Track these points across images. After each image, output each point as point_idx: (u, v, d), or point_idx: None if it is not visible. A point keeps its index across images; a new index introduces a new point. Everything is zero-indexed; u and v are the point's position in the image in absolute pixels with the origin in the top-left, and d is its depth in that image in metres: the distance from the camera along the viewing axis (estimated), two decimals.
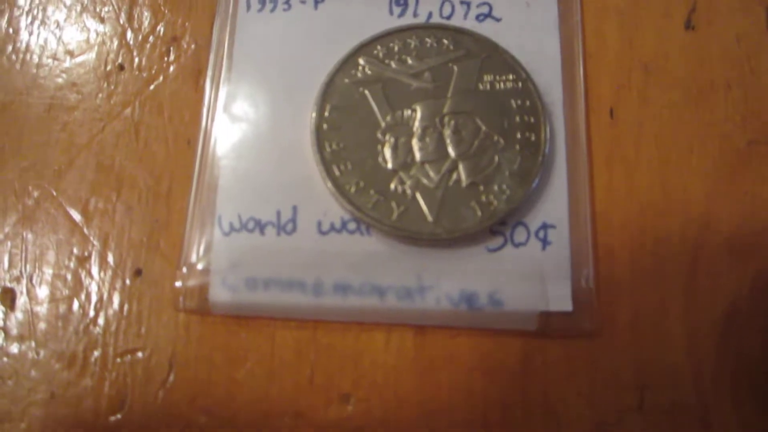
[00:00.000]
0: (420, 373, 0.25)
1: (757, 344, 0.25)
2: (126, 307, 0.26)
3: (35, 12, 0.30)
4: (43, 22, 0.30)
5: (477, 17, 0.29)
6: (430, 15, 0.29)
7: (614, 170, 0.27)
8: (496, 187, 0.26)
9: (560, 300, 0.26)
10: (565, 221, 0.27)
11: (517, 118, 0.27)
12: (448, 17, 0.29)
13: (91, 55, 0.29)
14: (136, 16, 0.30)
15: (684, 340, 0.26)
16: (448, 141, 0.27)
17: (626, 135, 0.28)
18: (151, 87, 0.29)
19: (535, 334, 0.26)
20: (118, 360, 0.25)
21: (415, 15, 0.29)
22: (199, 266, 0.26)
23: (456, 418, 0.25)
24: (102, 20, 0.30)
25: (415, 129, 0.27)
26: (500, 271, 0.26)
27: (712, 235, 0.27)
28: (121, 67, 0.29)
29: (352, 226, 0.27)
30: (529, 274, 0.26)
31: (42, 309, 0.26)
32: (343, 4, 0.30)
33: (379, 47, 0.28)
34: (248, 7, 0.30)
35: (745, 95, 0.28)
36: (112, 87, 0.29)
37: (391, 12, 0.30)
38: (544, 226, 0.27)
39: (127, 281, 0.26)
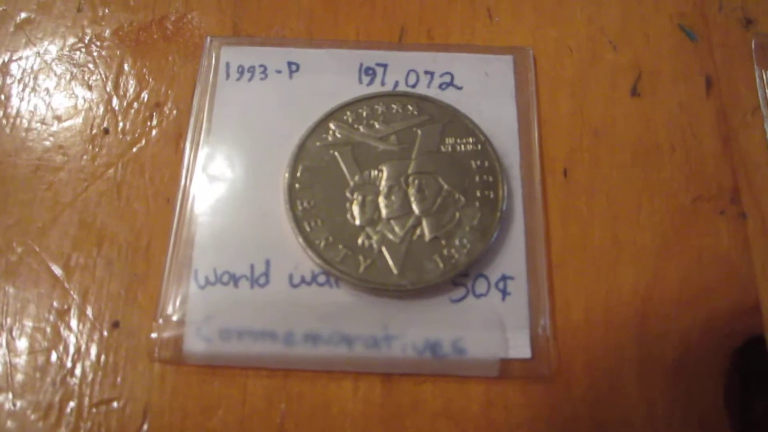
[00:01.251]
0: (387, 420, 0.26)
1: (707, 387, 0.27)
2: (103, 358, 0.27)
3: (27, 80, 0.32)
4: (33, 89, 0.32)
5: (440, 86, 0.32)
6: (396, 84, 0.32)
7: (569, 226, 0.29)
8: (457, 242, 0.28)
9: (519, 347, 0.27)
10: (523, 273, 0.28)
11: (477, 178, 0.29)
12: (413, 86, 0.32)
13: (78, 120, 0.31)
14: (122, 83, 0.32)
15: (637, 383, 0.27)
16: (412, 199, 0.29)
17: (579, 193, 0.30)
18: (134, 149, 0.31)
19: (497, 381, 0.27)
20: (94, 410, 0.26)
21: (382, 84, 0.32)
22: (175, 318, 0.27)
23: None
24: (89, 88, 0.32)
25: (381, 188, 0.29)
26: (463, 321, 0.28)
27: (661, 285, 0.28)
28: (106, 131, 0.31)
29: (321, 279, 0.28)
30: (490, 323, 0.27)
31: (20, 360, 0.27)
32: (316, 74, 0.32)
33: (348, 113, 0.30)
34: (227, 76, 0.32)
35: (688, 156, 0.31)
36: (97, 149, 0.31)
37: (360, 81, 0.32)
38: (504, 278, 0.28)
39: (105, 333, 0.27)
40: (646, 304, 0.28)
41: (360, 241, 0.28)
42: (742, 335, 0.28)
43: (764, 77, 0.32)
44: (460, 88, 0.32)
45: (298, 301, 0.28)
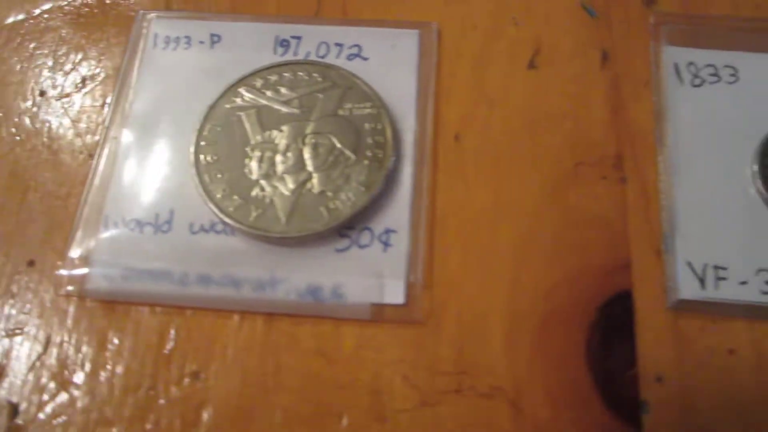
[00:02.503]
0: (265, 355, 0.29)
1: (571, 338, 0.29)
2: (15, 291, 0.30)
3: None
4: None
5: (348, 56, 0.34)
6: (308, 54, 0.34)
7: (454, 186, 0.31)
8: (343, 196, 0.30)
9: (394, 294, 0.29)
10: (406, 227, 0.30)
11: (370, 139, 0.31)
12: (323, 56, 0.34)
13: (18, 83, 0.35)
14: (60, 52, 0.35)
15: (504, 332, 0.29)
16: (306, 156, 0.31)
17: (468, 157, 0.32)
18: (65, 109, 0.34)
19: (370, 324, 0.29)
20: (2, 335, 0.29)
21: (295, 54, 0.35)
22: (82, 257, 0.30)
23: (293, 396, 0.28)
24: (32, 56, 0.35)
25: (279, 146, 0.31)
26: (344, 269, 0.30)
27: (537, 243, 0.30)
28: (42, 93, 0.34)
29: (219, 227, 0.31)
30: (369, 271, 0.30)
31: None
32: (235, 45, 0.35)
33: (258, 79, 0.33)
34: (154, 45, 0.35)
35: (577, 124, 0.33)
36: (34, 109, 0.34)
37: (275, 52, 0.35)
38: (387, 231, 0.30)
39: (20, 270, 0.30)
40: (520, 260, 0.30)
41: (254, 193, 0.30)
42: (611, 291, 0.30)
43: (658, 52, 0.34)
44: (366, 59, 0.34)
45: (195, 246, 0.30)
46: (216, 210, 0.30)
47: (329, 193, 0.30)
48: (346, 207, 0.30)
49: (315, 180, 0.30)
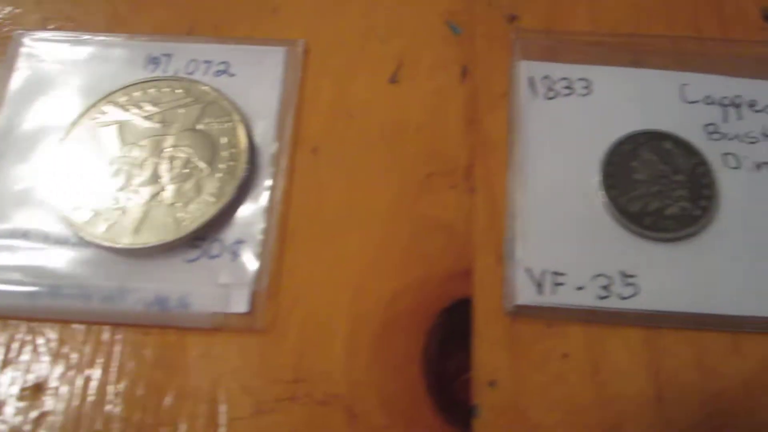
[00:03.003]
0: (108, 366, 0.29)
1: (409, 343, 0.30)
2: None
3: None
4: None
5: (215, 73, 0.36)
6: (177, 71, 0.36)
7: (309, 197, 0.32)
8: (193, 207, 0.31)
9: (238, 303, 0.30)
10: (256, 238, 0.31)
11: (225, 152, 0.33)
12: (192, 73, 0.36)
13: None
14: None
15: (344, 340, 0.30)
16: (162, 169, 0.32)
17: (324, 169, 0.33)
18: None
19: (215, 332, 0.30)
20: None
21: (164, 71, 0.36)
22: None
23: (133, 405, 0.29)
24: None
25: (138, 160, 0.32)
26: (193, 279, 0.31)
27: (384, 250, 0.31)
28: None
29: (73, 240, 0.32)
30: (217, 281, 0.31)
31: None
32: (107, 62, 0.36)
33: (122, 95, 0.34)
34: (29, 65, 0.36)
35: (432, 136, 0.34)
36: None
37: (145, 69, 0.36)
38: (237, 242, 0.32)
39: None
40: (367, 267, 0.31)
41: (107, 205, 0.31)
42: (452, 297, 0.30)
43: (515, 66, 0.35)
44: (233, 75, 0.35)
45: (49, 259, 0.31)
46: (68, 222, 0.31)
47: (179, 204, 0.31)
48: (196, 218, 0.31)
49: (167, 192, 0.32)
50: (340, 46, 0.36)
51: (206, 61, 0.36)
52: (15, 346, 0.30)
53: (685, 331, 0.30)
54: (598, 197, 0.32)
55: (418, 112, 0.34)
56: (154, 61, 0.36)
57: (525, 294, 0.30)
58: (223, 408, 0.29)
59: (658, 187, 0.32)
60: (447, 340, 0.30)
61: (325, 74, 0.35)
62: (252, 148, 0.33)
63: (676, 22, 0.37)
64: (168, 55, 0.36)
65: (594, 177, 0.32)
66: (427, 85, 0.35)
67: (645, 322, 0.30)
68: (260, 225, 0.32)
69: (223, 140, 0.33)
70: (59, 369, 0.29)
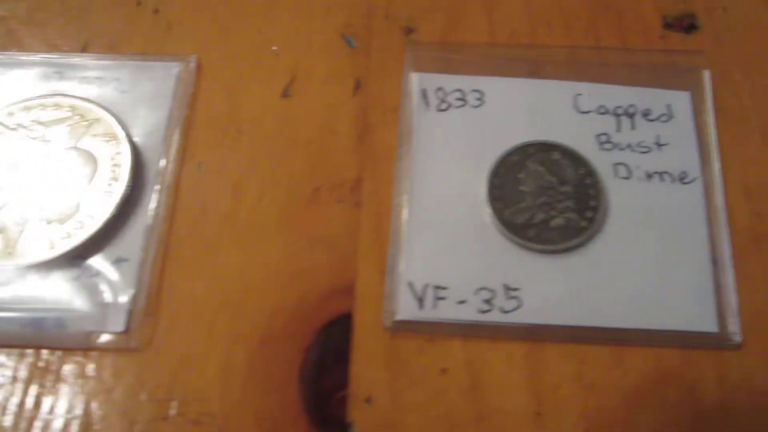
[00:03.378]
0: None
1: (287, 359, 0.29)
2: None
3: None
4: None
5: (106, 90, 0.36)
6: (69, 89, 0.36)
7: (193, 213, 0.32)
8: (73, 224, 0.31)
9: (115, 323, 0.30)
10: (138, 256, 0.31)
11: (108, 170, 0.33)
12: (84, 90, 0.36)
13: None
14: None
15: (221, 358, 0.30)
16: (41, 187, 0.32)
17: (209, 184, 0.33)
18: None
19: (90, 352, 0.30)
20: None
21: (55, 89, 0.36)
22: None
23: (6, 424, 0.29)
24: None
25: (19, 177, 0.32)
26: (72, 299, 0.31)
27: (267, 266, 0.31)
28: None
29: None
30: (96, 300, 0.31)
31: None
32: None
33: (7, 114, 0.34)
34: None
35: (322, 150, 0.34)
36: None
37: (36, 86, 0.36)
38: (119, 260, 0.31)
39: None
40: (248, 284, 0.31)
41: None
42: (333, 313, 0.30)
43: (409, 79, 0.35)
44: (124, 92, 0.35)
45: None
46: None
47: (56, 223, 0.31)
48: (74, 237, 0.31)
49: (47, 209, 0.31)
50: (235, 61, 0.36)
51: (98, 78, 0.36)
52: None
53: (567, 345, 0.30)
54: (484, 210, 0.32)
55: (308, 126, 0.34)
56: (46, 78, 0.36)
57: (406, 309, 0.30)
58: (96, 428, 0.28)
59: (544, 198, 0.32)
60: (327, 356, 0.30)
61: (217, 89, 0.35)
62: (137, 166, 0.32)
63: (575, 32, 0.37)
64: (59, 73, 0.36)
65: (481, 189, 0.32)
66: (319, 98, 0.35)
67: (527, 336, 0.30)
68: (141, 243, 0.31)
69: (106, 158, 0.33)
70: None
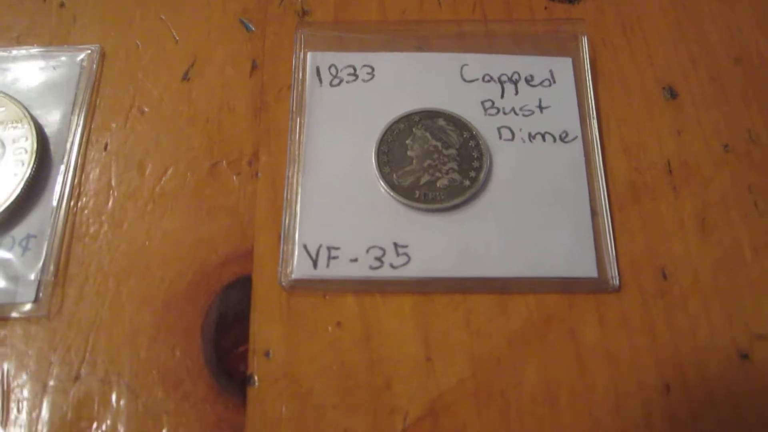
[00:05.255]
0: None
1: (189, 320, 0.34)
2: None
3: None
4: None
5: (12, 80, 0.40)
6: None
7: (99, 191, 0.36)
8: None
9: (25, 293, 0.34)
10: (46, 231, 0.35)
11: (18, 153, 0.36)
12: None
13: None
14: None
15: (128, 321, 0.33)
16: None
17: (114, 162, 0.37)
18: None
19: (7, 321, 0.34)
20: None
21: None
22: None
23: None
24: None
25: None
26: None
27: (173, 236, 0.35)
28: None
29: None
30: (7, 274, 0.34)
31: None
32: None
33: None
34: None
35: (220, 128, 0.38)
36: None
37: None
38: (28, 236, 0.35)
39: None
40: (153, 253, 0.35)
41: None
42: (233, 276, 0.35)
43: (303, 58, 0.39)
44: (31, 81, 0.39)
45: None
46: None
47: None
48: None
49: None
50: (138, 49, 0.40)
51: (4, 70, 0.40)
52: None
53: (454, 295, 0.34)
54: (374, 174, 0.36)
55: (207, 106, 0.38)
56: None
57: (300, 268, 0.34)
58: (12, 391, 0.32)
59: (430, 161, 0.36)
60: (228, 315, 0.34)
61: (120, 75, 0.40)
62: (42, 149, 0.37)
63: (463, 7, 0.42)
64: None
65: (371, 156, 0.37)
66: (217, 80, 0.39)
67: (416, 289, 0.34)
68: (49, 220, 0.35)
69: (14, 143, 0.37)
70: None
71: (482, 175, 0.36)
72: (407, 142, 0.36)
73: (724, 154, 0.37)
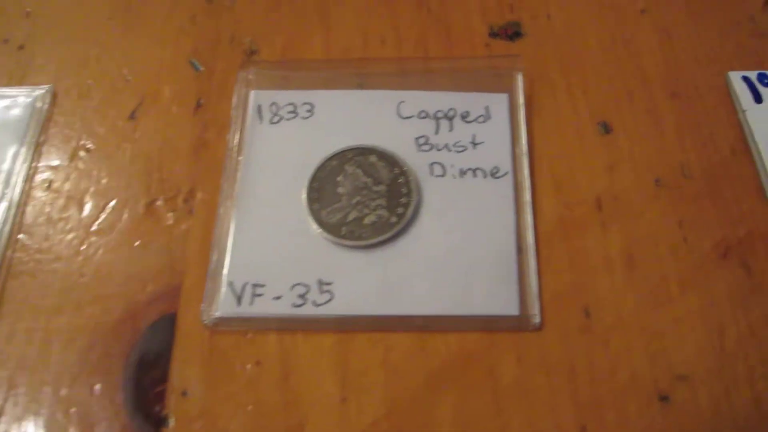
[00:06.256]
0: None
1: (111, 359, 0.31)
2: None
3: None
4: None
5: None
6: None
7: (38, 227, 0.35)
8: None
9: None
10: None
11: None
12: None
13: None
14: None
15: (53, 362, 0.31)
16: None
17: (56, 200, 0.35)
18: None
19: None
20: None
21: None
22: None
23: None
24: None
25: None
26: None
27: (106, 275, 0.33)
28: None
29: None
30: None
31: None
32: None
33: None
34: None
35: (160, 166, 0.36)
36: None
37: None
38: None
39: None
40: (84, 291, 0.33)
41: None
42: (159, 314, 0.32)
43: (246, 96, 0.37)
44: None
45: None
46: None
47: None
48: None
49: None
50: (89, 88, 0.39)
51: None
52: None
53: (374, 333, 0.32)
54: (304, 212, 0.33)
55: (149, 145, 0.36)
56: None
57: (224, 306, 0.32)
58: None
59: (359, 198, 0.33)
60: (150, 354, 0.31)
61: (70, 114, 0.38)
62: None
63: (406, 45, 0.39)
64: None
65: (302, 193, 0.34)
66: (162, 119, 0.37)
67: (337, 327, 0.32)
68: None
69: None
70: None
71: (409, 212, 0.33)
72: (338, 179, 0.34)
73: (656, 188, 0.34)
